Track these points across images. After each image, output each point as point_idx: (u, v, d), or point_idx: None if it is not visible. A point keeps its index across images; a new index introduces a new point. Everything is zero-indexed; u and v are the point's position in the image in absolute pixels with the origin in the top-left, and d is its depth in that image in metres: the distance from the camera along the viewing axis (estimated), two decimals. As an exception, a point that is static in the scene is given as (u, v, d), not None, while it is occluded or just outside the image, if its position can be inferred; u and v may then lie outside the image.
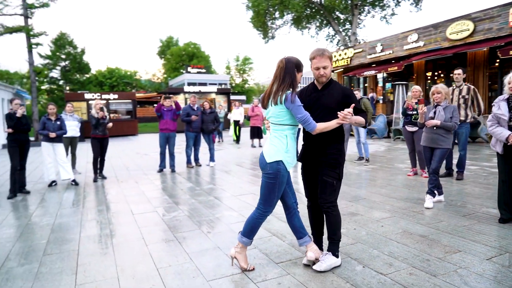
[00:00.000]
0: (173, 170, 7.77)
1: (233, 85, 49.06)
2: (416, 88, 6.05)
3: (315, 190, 2.93)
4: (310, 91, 2.86)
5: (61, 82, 36.50)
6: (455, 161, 6.34)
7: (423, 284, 2.54)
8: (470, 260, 2.91)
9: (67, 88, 36.63)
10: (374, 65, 18.11)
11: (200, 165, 8.50)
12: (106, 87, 41.12)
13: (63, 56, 35.59)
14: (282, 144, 2.67)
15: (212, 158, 8.55)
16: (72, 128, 7.17)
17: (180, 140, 12.95)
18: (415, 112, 6.07)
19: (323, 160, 2.79)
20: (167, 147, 7.72)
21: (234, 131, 14.03)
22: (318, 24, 29.50)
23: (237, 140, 14.07)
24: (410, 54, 15.94)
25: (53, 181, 6.59)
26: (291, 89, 2.66)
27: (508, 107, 3.61)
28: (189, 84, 38.48)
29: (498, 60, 13.24)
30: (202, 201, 5.19)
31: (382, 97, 18.35)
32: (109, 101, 19.13)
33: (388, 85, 18.42)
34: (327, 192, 2.78)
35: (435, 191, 4.53)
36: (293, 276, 2.74)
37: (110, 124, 6.85)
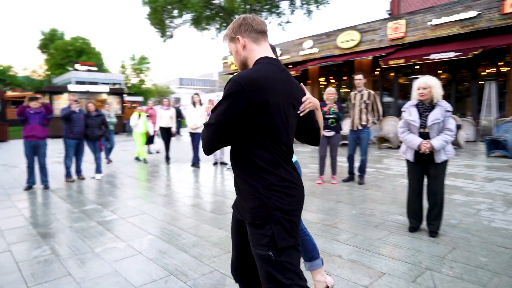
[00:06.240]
0: (46, 187, 6.29)
1: (129, 85, 45.71)
2: (331, 90, 5.86)
3: (249, 265, 1.78)
4: None
5: None
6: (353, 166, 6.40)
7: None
8: (397, 285, 2.61)
9: None
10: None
11: (83, 178, 7.13)
12: (-33, 84, 34.28)
13: None
14: None
15: (98, 169, 7.27)
16: None
17: (60, 148, 11.03)
18: (331, 116, 5.89)
19: (244, 211, 1.64)
20: (36, 158, 6.21)
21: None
22: (217, 26, 29.18)
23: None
24: (306, 59, 16.62)
25: None
26: None
27: (418, 113, 3.51)
28: (78, 82, 34.35)
29: (378, 69, 14.56)
30: (81, 229, 4.09)
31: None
32: (-34, 100, 15.55)
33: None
34: (266, 278, 1.55)
35: None
36: None
37: None
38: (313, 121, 1.81)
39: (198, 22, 27.93)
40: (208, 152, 1.59)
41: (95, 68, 39.84)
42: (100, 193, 5.96)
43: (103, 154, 8.90)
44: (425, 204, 3.70)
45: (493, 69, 12.40)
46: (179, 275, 2.87)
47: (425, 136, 3.45)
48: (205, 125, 1.56)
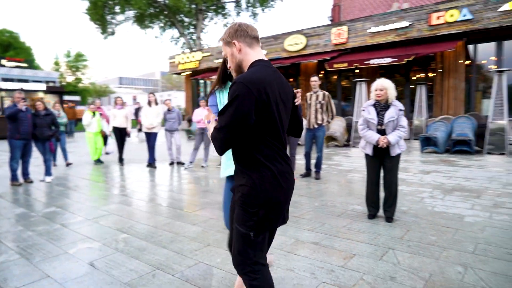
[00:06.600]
0: (-10, 192, 5.84)
1: (64, 83, 42.71)
2: None
3: None
4: None
5: None
6: (313, 162, 6.82)
7: (341, 301, 2.38)
8: (367, 263, 2.95)
9: None
10: (222, 69, 18.54)
11: (31, 182, 6.70)
12: None
13: None
14: None
15: (48, 172, 6.87)
16: None
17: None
18: None
19: (235, 195, 1.86)
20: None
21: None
22: (162, 24, 28.48)
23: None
24: (255, 61, 16.98)
25: None
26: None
27: (376, 112, 3.93)
28: (5, 80, 31.25)
29: (322, 72, 15.41)
30: (45, 232, 3.92)
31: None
32: None
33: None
34: (238, 249, 1.82)
35: None
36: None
37: None
38: (299, 116, 2.07)
39: (141, 20, 27.04)
40: (222, 152, 1.73)
41: (25, 65, 36.61)
42: (54, 196, 5.67)
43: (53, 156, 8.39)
44: (381, 194, 4.14)
45: (422, 74, 13.80)
46: (165, 269, 2.94)
47: (382, 132, 3.89)
48: (217, 129, 1.70)
